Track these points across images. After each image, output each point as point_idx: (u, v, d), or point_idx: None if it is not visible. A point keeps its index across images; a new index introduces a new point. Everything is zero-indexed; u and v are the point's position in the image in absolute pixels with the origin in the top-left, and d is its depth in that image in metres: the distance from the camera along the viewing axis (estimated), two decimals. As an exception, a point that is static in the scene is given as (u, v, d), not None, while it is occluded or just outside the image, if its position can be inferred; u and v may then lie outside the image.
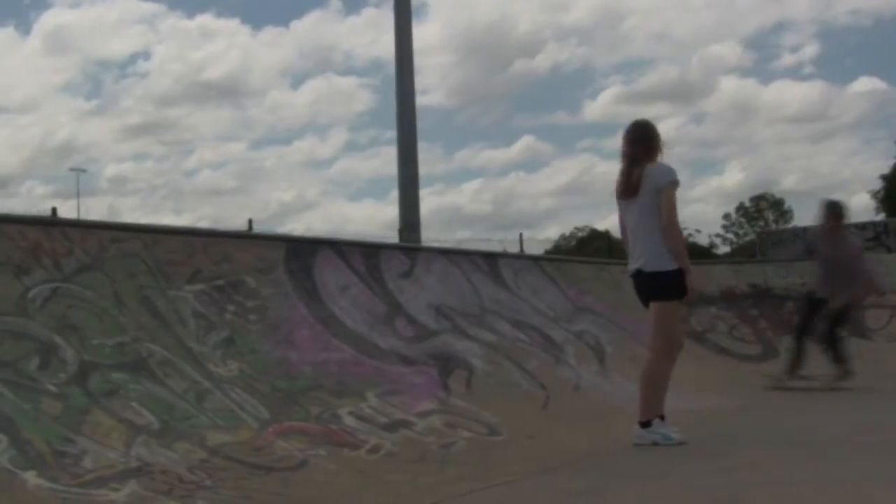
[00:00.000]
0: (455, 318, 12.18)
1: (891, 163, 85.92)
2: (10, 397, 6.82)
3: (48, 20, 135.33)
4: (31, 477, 6.09)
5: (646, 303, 9.06)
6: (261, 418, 8.17)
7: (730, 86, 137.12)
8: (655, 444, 8.72)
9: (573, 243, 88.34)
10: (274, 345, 9.52)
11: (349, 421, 8.73)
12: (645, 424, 8.84)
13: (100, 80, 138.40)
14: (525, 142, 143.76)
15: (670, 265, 8.84)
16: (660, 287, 8.88)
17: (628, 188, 8.96)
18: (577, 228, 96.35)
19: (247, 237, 11.33)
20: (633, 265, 9.01)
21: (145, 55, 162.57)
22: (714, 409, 11.57)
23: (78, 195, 79.18)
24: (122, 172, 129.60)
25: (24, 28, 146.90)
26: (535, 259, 16.36)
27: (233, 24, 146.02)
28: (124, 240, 9.33)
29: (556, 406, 10.98)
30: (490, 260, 14.49)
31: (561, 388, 11.75)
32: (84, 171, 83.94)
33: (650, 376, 8.94)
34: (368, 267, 11.80)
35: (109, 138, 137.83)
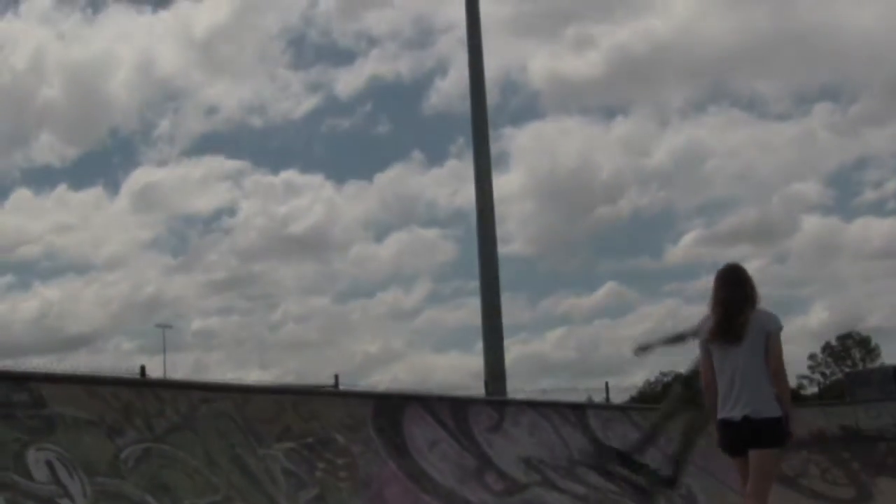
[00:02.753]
0: (545, 471, 12.06)
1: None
2: (104, 560, 6.84)
3: (136, 179, 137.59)
4: None
5: (740, 451, 8.82)
6: (353, 578, 8.12)
7: (812, 224, 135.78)
8: None
9: (659, 388, 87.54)
10: (365, 502, 9.48)
11: (441, 579, 8.65)
12: None
13: (185, 236, 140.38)
14: (608, 288, 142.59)
15: (778, 411, 8.66)
16: (771, 434, 8.66)
17: (735, 332, 8.74)
18: (662, 374, 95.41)
19: (336, 394, 11.37)
20: (738, 412, 8.72)
21: (230, 211, 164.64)
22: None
23: (164, 351, 79.71)
24: (208, 327, 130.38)
25: (113, 187, 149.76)
26: (622, 409, 16.22)
27: (317, 179, 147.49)
28: (214, 399, 9.40)
29: (650, 558, 10.79)
30: (578, 411, 14.38)
31: (654, 540, 11.56)
32: (170, 327, 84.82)
33: None
34: (457, 420, 11.77)
35: (194, 293, 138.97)
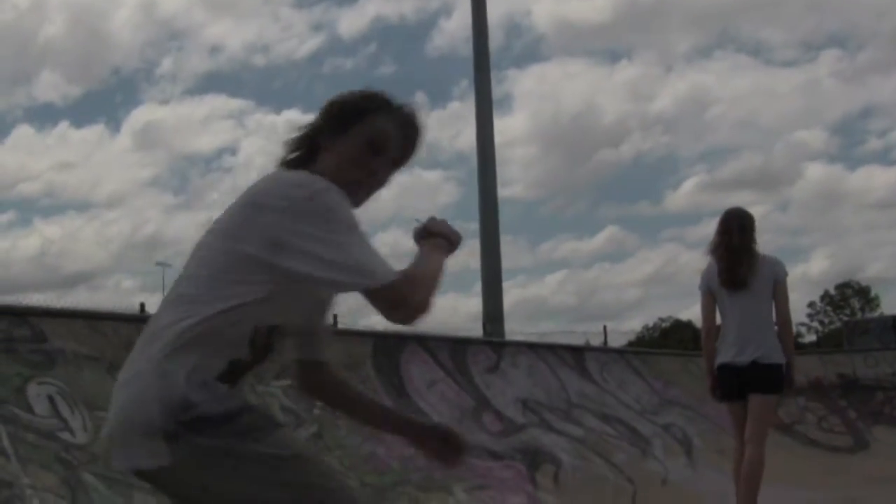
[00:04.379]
0: (542, 413, 12.15)
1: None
2: (104, 492, 6.91)
3: (138, 117, 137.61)
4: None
5: (739, 396, 8.81)
6: (350, 514, 8.16)
7: (815, 172, 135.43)
8: None
9: (657, 334, 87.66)
10: (362, 440, 9.54)
11: (438, 516, 8.72)
12: None
13: (187, 175, 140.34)
14: (609, 232, 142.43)
15: (782, 358, 8.67)
16: (776, 380, 8.68)
17: (743, 279, 8.73)
18: (660, 319, 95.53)
19: (334, 333, 11.39)
20: (746, 356, 8.70)
21: (232, 150, 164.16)
22: (806, 503, 11.37)
23: (163, 289, 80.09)
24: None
25: (115, 125, 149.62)
26: (620, 352, 16.30)
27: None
28: (214, 336, 9.43)
29: (644, 500, 10.89)
30: (576, 353, 14.45)
31: (649, 482, 11.64)
32: (169, 265, 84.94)
33: (761, 470, 8.65)
34: (455, 361, 11.83)
35: (195, 232, 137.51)
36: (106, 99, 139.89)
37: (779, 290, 8.78)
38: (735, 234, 8.79)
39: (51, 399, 7.60)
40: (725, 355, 8.72)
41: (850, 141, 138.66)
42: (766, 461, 8.77)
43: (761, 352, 8.63)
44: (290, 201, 3.00)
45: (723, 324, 8.88)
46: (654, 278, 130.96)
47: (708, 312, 8.93)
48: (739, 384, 8.67)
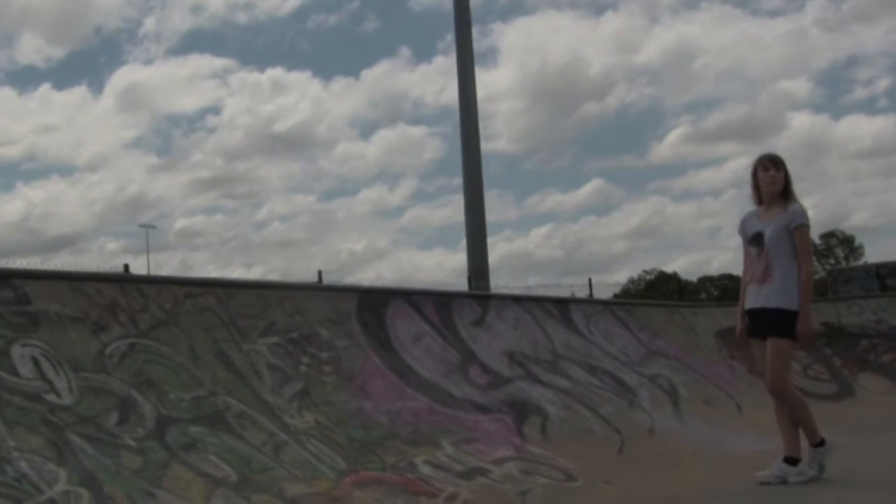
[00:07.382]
0: (528, 365, 12.16)
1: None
2: (91, 452, 6.90)
3: (121, 78, 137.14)
4: (113, 532, 6.14)
5: None
6: (338, 469, 8.19)
7: (801, 122, 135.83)
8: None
9: (641, 286, 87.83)
10: (349, 395, 9.55)
11: (425, 470, 8.72)
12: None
13: (170, 136, 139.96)
14: (594, 185, 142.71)
15: None
16: None
17: None
18: (645, 272, 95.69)
19: (319, 289, 11.40)
20: None
21: (215, 110, 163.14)
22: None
23: (148, 251, 79.84)
24: (193, 226, 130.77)
25: (98, 86, 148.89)
26: (606, 304, 16.30)
27: (304, 77, 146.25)
28: (198, 295, 9.43)
29: (632, 451, 10.90)
30: (561, 306, 14.46)
31: (636, 433, 11.67)
32: (154, 227, 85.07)
33: None
34: (441, 315, 11.83)
35: (179, 193, 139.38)
36: (88, 60, 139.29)
37: None
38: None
39: (35, 361, 7.58)
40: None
41: (836, 90, 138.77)
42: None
43: None
44: None
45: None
46: (639, 231, 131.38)
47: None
48: None
